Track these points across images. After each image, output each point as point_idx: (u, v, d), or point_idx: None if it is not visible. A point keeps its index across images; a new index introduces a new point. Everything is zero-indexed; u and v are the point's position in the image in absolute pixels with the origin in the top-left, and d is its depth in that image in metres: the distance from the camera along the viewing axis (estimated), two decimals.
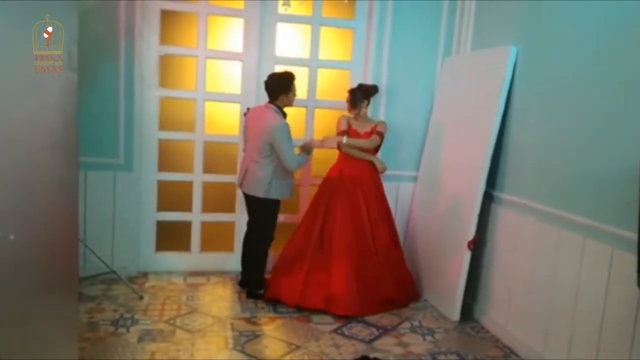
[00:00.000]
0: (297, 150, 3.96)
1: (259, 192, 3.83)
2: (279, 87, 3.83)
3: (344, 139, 4.01)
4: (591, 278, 2.75)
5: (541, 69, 3.33)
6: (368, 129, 4.13)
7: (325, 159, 4.61)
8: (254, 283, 4.00)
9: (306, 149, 4.03)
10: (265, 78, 3.90)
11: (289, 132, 3.76)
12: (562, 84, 3.11)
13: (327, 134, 4.18)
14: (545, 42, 3.31)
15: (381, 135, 4.11)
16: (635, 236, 2.16)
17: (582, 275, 2.82)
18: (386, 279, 3.96)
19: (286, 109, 3.89)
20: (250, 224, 4.08)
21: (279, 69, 4.44)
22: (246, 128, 3.96)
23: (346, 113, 4.19)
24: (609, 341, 2.62)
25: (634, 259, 2.15)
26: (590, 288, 2.75)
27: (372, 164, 4.14)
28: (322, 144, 4.03)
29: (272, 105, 3.84)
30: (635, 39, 2.57)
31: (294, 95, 3.91)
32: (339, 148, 4.14)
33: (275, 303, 3.87)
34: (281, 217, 4.15)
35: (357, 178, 4.06)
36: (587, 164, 2.84)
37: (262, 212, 3.92)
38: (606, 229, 2.64)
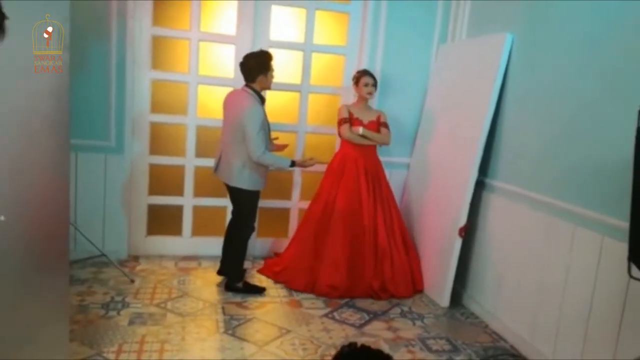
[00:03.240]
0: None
1: (232, 181, 3.69)
2: (257, 67, 3.60)
3: (360, 130, 3.98)
4: (581, 266, 2.77)
5: (537, 57, 3.32)
6: (373, 117, 4.11)
7: (319, 146, 4.60)
8: (231, 275, 3.87)
9: (299, 163, 3.80)
10: None
11: (259, 118, 3.52)
12: (557, 72, 3.10)
13: (313, 156, 3.99)
14: (541, 30, 3.29)
15: (388, 128, 4.12)
16: (625, 224, 2.18)
17: (571, 263, 2.84)
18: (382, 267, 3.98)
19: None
20: (233, 212, 3.96)
21: (273, 52, 4.41)
22: (223, 112, 3.76)
23: (341, 101, 4.15)
24: (597, 328, 2.65)
25: (623, 247, 2.16)
26: (580, 276, 2.78)
27: (375, 150, 4.16)
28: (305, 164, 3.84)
29: (248, 89, 3.63)
30: (632, 29, 2.56)
31: (272, 76, 3.70)
32: (339, 134, 4.14)
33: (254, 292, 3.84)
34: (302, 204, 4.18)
35: (363, 163, 4.06)
36: (579, 152, 2.85)
37: (238, 200, 3.79)
38: (597, 217, 2.66)
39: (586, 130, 2.82)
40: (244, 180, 3.66)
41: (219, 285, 3.92)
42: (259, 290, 3.86)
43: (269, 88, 3.76)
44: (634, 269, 2.00)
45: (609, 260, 2.57)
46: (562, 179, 2.98)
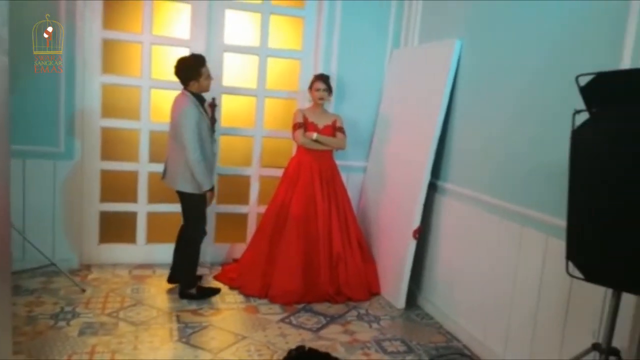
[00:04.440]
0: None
1: (177, 185, 3.65)
2: (186, 74, 3.56)
3: (314, 136, 4.00)
4: (528, 265, 2.86)
5: (484, 63, 3.41)
6: (329, 122, 4.12)
7: (276, 150, 4.60)
8: (184, 281, 3.80)
9: (210, 193, 3.69)
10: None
11: (193, 119, 3.48)
12: (503, 78, 3.19)
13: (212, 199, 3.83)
14: (488, 37, 3.38)
15: (344, 132, 4.14)
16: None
17: (519, 262, 2.93)
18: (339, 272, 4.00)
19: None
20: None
21: (228, 57, 4.39)
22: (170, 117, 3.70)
23: (297, 105, 4.15)
24: (543, 326, 2.74)
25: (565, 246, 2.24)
26: (527, 274, 2.86)
27: (331, 154, 4.17)
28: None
29: (186, 91, 3.60)
30: (576, 33, 2.66)
31: (208, 78, 3.63)
32: (294, 139, 4.13)
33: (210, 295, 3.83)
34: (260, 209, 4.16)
35: (318, 168, 4.06)
36: (525, 156, 2.94)
37: (185, 205, 3.72)
38: (541, 217, 2.75)
39: (531, 134, 2.90)
40: (187, 183, 3.61)
41: (173, 292, 3.86)
42: (215, 292, 3.84)
43: (206, 91, 3.71)
44: (572, 267, 2.07)
45: (554, 258, 2.65)
46: (509, 181, 3.06)
